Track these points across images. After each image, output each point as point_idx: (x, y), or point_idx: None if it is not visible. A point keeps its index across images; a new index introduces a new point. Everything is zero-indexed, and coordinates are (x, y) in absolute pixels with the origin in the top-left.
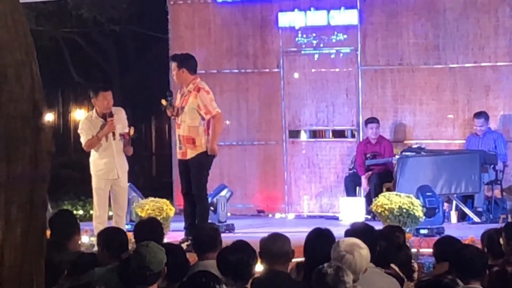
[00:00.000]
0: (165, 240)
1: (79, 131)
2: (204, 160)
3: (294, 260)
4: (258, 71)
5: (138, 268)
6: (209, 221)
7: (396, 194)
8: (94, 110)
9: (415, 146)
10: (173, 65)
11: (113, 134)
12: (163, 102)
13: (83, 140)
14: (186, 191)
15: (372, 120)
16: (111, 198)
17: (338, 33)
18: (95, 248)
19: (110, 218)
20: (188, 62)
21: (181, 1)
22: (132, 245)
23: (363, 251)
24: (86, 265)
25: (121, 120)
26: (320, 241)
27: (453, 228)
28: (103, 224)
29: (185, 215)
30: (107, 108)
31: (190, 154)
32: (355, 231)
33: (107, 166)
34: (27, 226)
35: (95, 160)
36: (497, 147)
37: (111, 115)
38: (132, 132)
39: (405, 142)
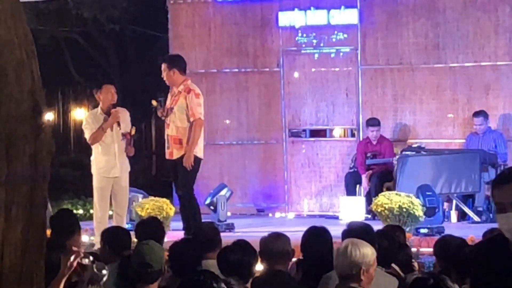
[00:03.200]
0: (165, 240)
1: (83, 126)
2: (193, 161)
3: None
4: (258, 70)
5: (139, 266)
6: (209, 220)
7: (396, 194)
8: (99, 107)
9: (415, 145)
10: (163, 66)
11: (118, 124)
12: (154, 102)
13: (87, 134)
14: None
15: (373, 123)
16: (111, 197)
17: (338, 32)
18: (95, 247)
19: (110, 217)
20: (178, 63)
21: (181, 1)
22: (133, 244)
23: (365, 249)
24: None
25: (124, 120)
26: (316, 239)
27: (453, 227)
28: (103, 223)
29: (182, 215)
30: (111, 101)
31: (177, 154)
32: (353, 230)
33: (109, 164)
34: (27, 226)
35: (96, 158)
36: (497, 146)
37: (114, 107)
38: (133, 132)
39: (405, 141)
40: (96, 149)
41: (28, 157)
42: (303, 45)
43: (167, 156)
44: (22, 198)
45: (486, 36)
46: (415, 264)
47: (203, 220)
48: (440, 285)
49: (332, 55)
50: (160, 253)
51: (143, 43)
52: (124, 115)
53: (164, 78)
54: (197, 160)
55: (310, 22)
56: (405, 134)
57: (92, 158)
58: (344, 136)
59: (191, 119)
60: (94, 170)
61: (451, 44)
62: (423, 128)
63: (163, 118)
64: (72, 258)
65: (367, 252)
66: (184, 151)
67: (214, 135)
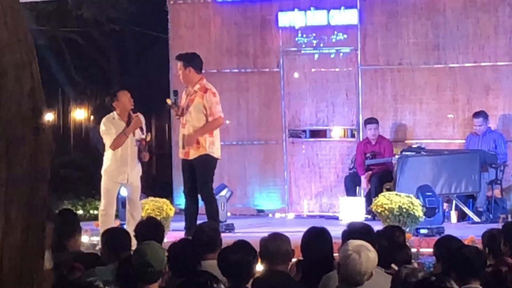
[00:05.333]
0: (165, 240)
1: (102, 132)
2: (209, 162)
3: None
4: (258, 70)
5: (140, 265)
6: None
7: (396, 194)
8: (114, 113)
9: (415, 145)
10: (179, 64)
11: (141, 129)
12: (168, 101)
13: (108, 141)
14: (188, 191)
15: (370, 121)
16: (126, 198)
17: (338, 32)
18: (97, 248)
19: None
20: (194, 61)
21: (181, 1)
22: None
23: (371, 254)
24: (86, 264)
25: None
26: (316, 239)
27: (453, 227)
28: (109, 222)
29: (186, 215)
30: (131, 105)
31: (193, 154)
32: (353, 231)
33: (119, 168)
34: (27, 226)
35: (107, 161)
36: (497, 146)
37: (134, 112)
38: (148, 138)
39: (405, 141)
40: (108, 152)
41: (28, 157)
42: (303, 46)
43: (181, 156)
44: (22, 199)
45: (486, 37)
46: (415, 265)
47: (203, 221)
48: (446, 286)
49: (332, 56)
50: (161, 253)
51: (143, 43)
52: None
53: (180, 77)
54: (214, 160)
55: (310, 23)
56: (405, 134)
57: (105, 157)
58: (344, 136)
59: (211, 118)
60: (103, 171)
61: (451, 44)
62: (423, 128)
63: (177, 117)
64: None
65: (374, 256)
66: (200, 152)
67: None
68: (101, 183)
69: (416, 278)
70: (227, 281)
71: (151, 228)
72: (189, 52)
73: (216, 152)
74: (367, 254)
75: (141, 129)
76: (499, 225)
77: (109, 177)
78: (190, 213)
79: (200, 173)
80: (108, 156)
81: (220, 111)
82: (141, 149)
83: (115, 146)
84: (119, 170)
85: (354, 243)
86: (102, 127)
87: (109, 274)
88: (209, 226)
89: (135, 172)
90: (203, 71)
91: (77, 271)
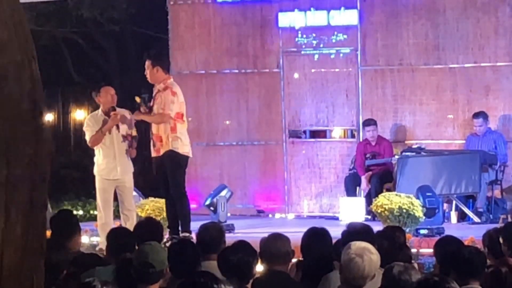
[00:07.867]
0: (164, 240)
1: (84, 129)
2: (173, 157)
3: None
4: (258, 71)
5: (140, 266)
6: (208, 221)
7: (396, 194)
8: (99, 109)
9: (415, 146)
10: (147, 63)
11: (117, 127)
12: (137, 99)
13: (87, 136)
14: (164, 192)
15: (368, 123)
16: (118, 198)
17: (338, 33)
18: (97, 248)
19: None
20: (162, 61)
21: (181, 1)
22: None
23: (373, 256)
24: (86, 265)
25: (125, 122)
26: (316, 240)
27: (453, 228)
28: (108, 224)
29: (167, 216)
30: (112, 102)
31: (162, 151)
32: (352, 231)
33: (108, 166)
34: (27, 226)
35: (97, 160)
36: (497, 147)
37: (114, 109)
38: (134, 133)
39: (405, 142)
40: (97, 151)
41: (28, 157)
42: (303, 46)
43: (153, 154)
44: (21, 199)
45: (486, 37)
46: (415, 265)
47: (206, 222)
48: (445, 286)
49: (332, 56)
50: (162, 253)
51: (143, 44)
52: (125, 117)
53: (147, 75)
54: (184, 158)
55: (310, 23)
56: (405, 135)
57: (94, 159)
58: (344, 137)
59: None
60: (95, 171)
61: (451, 44)
62: (423, 129)
63: None
64: None
65: (377, 259)
66: (165, 148)
67: (214, 136)
68: (96, 184)
69: (410, 276)
70: (227, 282)
71: (151, 229)
72: (157, 52)
73: (181, 148)
74: (369, 257)
75: (117, 126)
76: (499, 226)
77: (101, 175)
78: (170, 214)
79: (168, 171)
80: (96, 155)
81: (172, 110)
82: (128, 145)
83: (92, 143)
84: (109, 166)
85: (356, 245)
86: (84, 124)
87: (109, 274)
88: (213, 227)
89: (127, 168)
90: (203, 71)
91: (70, 278)
